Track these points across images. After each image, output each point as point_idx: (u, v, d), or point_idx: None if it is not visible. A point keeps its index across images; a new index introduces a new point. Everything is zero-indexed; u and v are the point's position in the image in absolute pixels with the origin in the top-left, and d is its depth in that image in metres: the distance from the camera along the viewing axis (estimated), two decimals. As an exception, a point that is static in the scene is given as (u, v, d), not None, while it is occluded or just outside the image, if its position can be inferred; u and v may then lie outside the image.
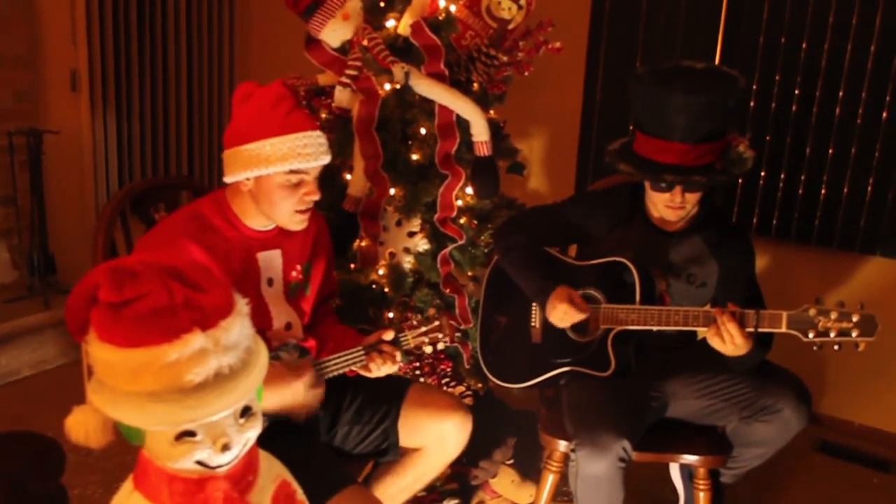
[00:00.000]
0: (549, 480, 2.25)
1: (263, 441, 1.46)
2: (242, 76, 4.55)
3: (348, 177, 2.53)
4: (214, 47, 4.42)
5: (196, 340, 1.18)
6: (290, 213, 1.83)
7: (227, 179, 1.82)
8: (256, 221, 1.87)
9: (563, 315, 2.13)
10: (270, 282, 1.91)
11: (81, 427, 1.28)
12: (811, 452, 3.20)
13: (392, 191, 2.51)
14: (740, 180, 3.34)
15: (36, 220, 3.63)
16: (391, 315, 2.54)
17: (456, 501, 2.56)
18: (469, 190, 2.63)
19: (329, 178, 2.54)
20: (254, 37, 4.59)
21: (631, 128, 2.22)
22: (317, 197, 1.84)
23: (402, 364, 1.94)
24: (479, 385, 2.68)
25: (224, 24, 4.45)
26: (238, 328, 1.25)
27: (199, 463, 1.26)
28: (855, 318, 1.85)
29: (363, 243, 2.53)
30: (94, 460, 2.73)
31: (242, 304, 1.30)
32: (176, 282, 1.23)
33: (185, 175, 4.32)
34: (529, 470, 2.50)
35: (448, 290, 2.56)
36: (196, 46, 4.31)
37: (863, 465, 3.15)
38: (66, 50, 3.77)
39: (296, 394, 1.81)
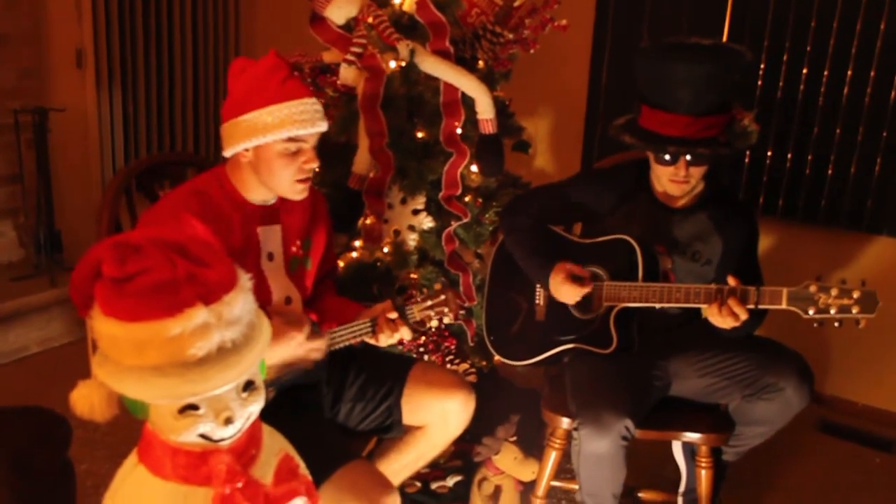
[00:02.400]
0: (552, 458, 2.26)
1: (268, 415, 1.47)
2: (248, 53, 4.54)
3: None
4: (220, 23, 4.41)
5: (199, 315, 1.19)
6: (290, 182, 1.83)
7: (227, 152, 1.83)
8: (256, 195, 1.88)
9: (567, 294, 2.15)
10: (271, 256, 1.92)
11: (86, 401, 1.29)
12: (813, 432, 3.21)
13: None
14: (747, 159, 3.33)
15: (42, 198, 3.64)
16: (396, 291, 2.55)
17: (459, 478, 2.57)
18: (474, 168, 2.62)
19: (335, 156, 2.55)
20: (259, 13, 4.57)
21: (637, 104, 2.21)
22: (315, 164, 1.84)
23: (409, 338, 1.94)
24: (484, 363, 2.69)
25: (229, 1, 4.43)
26: (241, 303, 1.26)
27: (203, 436, 1.27)
28: (855, 295, 1.85)
29: (368, 221, 2.53)
30: (102, 436, 2.75)
31: (245, 279, 1.31)
32: (179, 256, 1.23)
33: (189, 151, 4.32)
34: (532, 447, 2.51)
35: (452, 268, 2.57)
36: (201, 23, 4.30)
37: (865, 445, 3.16)
38: (71, 27, 3.76)
39: (298, 346, 1.82)
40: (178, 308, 1.18)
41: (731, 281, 1.97)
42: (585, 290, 2.13)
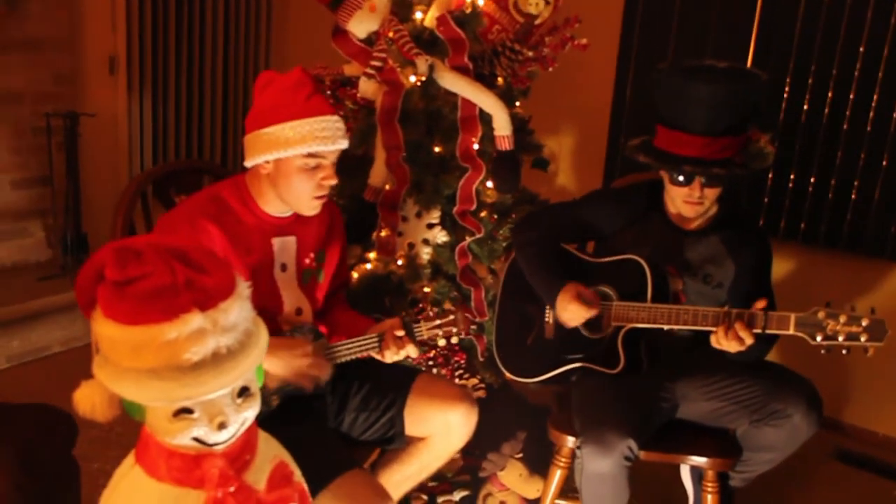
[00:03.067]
0: (557, 476, 2.25)
1: (271, 422, 1.49)
2: (278, 61, 4.60)
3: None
4: (252, 32, 4.48)
5: (194, 320, 1.21)
6: (307, 198, 1.86)
7: (248, 163, 1.86)
8: (274, 207, 1.90)
9: (573, 315, 2.14)
10: (284, 267, 1.94)
11: (88, 401, 1.33)
12: (830, 461, 3.15)
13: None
14: (769, 183, 3.30)
15: (70, 200, 3.72)
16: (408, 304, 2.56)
17: (466, 493, 2.57)
18: (490, 184, 2.63)
19: (352, 168, 2.58)
20: (290, 22, 4.63)
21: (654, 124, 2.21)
22: (334, 181, 1.87)
23: (416, 355, 1.95)
24: (494, 378, 2.68)
25: (261, 10, 4.50)
26: (237, 310, 1.28)
27: (197, 440, 1.29)
28: (864, 323, 1.83)
29: (382, 233, 2.54)
30: (115, 436, 2.79)
31: (244, 287, 1.32)
32: (179, 263, 1.25)
33: (210, 159, 4.38)
34: (538, 464, 2.50)
35: (465, 283, 2.58)
36: (233, 31, 4.37)
37: (883, 476, 3.09)
38: (105, 35, 3.86)
39: (303, 361, 1.84)
40: (175, 313, 1.20)
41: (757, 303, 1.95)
42: (591, 313, 2.13)
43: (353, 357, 1.94)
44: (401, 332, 1.91)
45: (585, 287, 2.16)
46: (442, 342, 1.98)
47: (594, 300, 2.14)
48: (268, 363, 1.69)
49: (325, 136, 1.80)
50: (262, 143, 1.82)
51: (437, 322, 1.96)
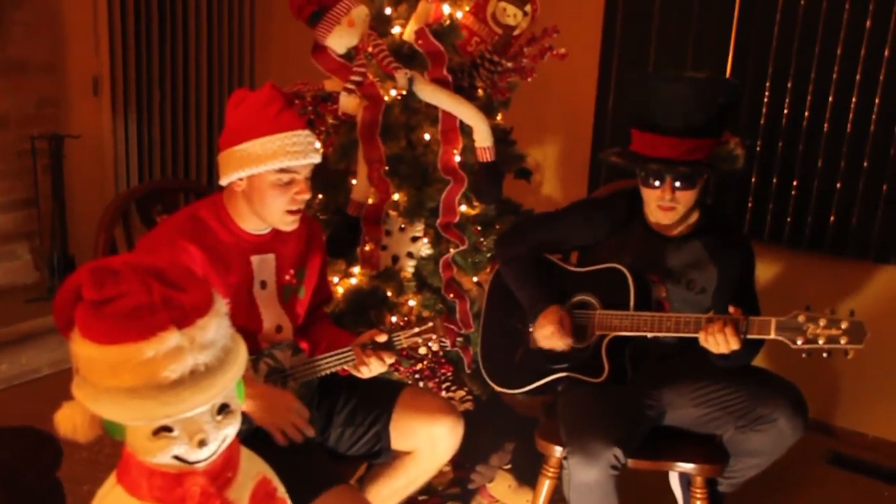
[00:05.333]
0: (546, 486, 2.25)
1: (257, 438, 1.49)
2: (262, 81, 4.59)
3: (355, 182, 2.56)
4: (235, 52, 4.49)
5: (172, 338, 1.21)
6: (281, 213, 1.86)
7: (222, 181, 1.87)
8: (251, 224, 1.91)
9: (548, 335, 2.16)
10: (263, 284, 1.94)
11: (69, 421, 1.32)
12: (822, 464, 3.16)
13: (396, 196, 2.54)
14: (752, 186, 3.31)
15: (57, 222, 3.72)
16: (394, 319, 2.56)
17: (456, 505, 2.57)
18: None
19: (335, 183, 2.59)
20: (273, 41, 4.64)
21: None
22: (307, 196, 1.88)
23: (398, 364, 1.95)
24: (482, 390, 2.68)
25: (244, 30, 4.51)
26: (215, 327, 1.28)
27: (177, 458, 1.28)
28: (844, 325, 1.83)
29: (366, 248, 2.55)
30: (105, 457, 2.78)
31: (221, 304, 1.32)
32: (156, 281, 1.26)
33: (185, 178, 4.38)
34: (527, 475, 2.50)
35: (450, 295, 2.58)
36: (216, 52, 4.38)
37: (874, 477, 3.09)
38: (88, 56, 3.87)
39: (288, 412, 1.81)
40: (152, 331, 1.20)
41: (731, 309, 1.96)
42: (564, 342, 2.15)
43: (331, 371, 1.94)
44: (383, 338, 1.91)
45: (567, 314, 2.18)
46: (423, 350, 1.98)
47: (569, 332, 2.16)
48: (251, 406, 1.70)
49: (297, 150, 1.81)
50: (234, 161, 1.83)
51: (416, 330, 1.96)
